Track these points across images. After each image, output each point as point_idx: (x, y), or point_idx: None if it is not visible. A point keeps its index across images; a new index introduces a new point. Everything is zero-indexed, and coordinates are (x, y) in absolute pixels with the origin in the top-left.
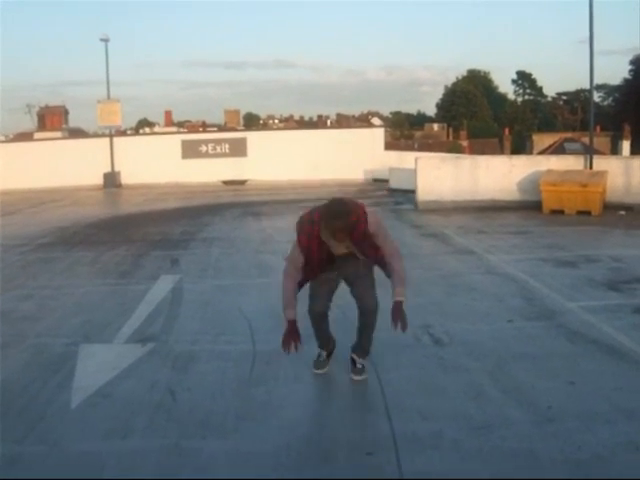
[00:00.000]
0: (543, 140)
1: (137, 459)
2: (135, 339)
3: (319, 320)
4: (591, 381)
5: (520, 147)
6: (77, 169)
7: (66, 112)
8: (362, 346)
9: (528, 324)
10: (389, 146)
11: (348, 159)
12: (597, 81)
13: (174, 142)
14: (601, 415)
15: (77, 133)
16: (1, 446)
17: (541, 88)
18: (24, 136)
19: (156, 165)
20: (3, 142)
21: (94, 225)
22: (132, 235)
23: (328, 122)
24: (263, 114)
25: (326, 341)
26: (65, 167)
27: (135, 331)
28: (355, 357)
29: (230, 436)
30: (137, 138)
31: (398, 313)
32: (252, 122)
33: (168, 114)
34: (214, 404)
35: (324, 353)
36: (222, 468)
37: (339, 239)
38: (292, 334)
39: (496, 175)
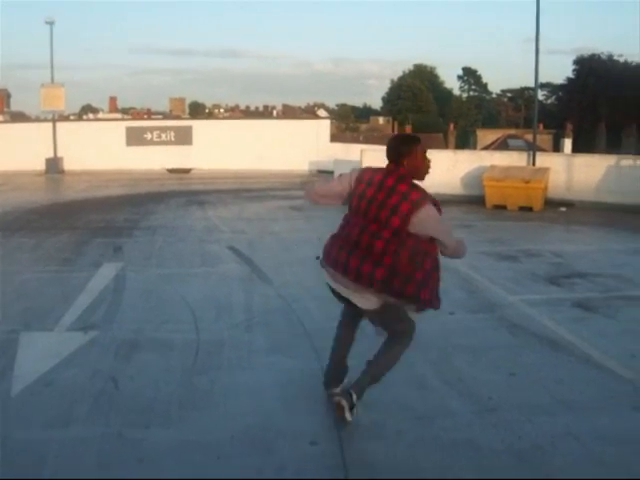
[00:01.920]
0: (487, 136)
1: (79, 448)
2: (77, 327)
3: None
4: (531, 373)
5: (464, 142)
6: (18, 154)
7: (8, 95)
8: (363, 380)
9: (470, 316)
10: (335, 138)
11: (293, 150)
12: (541, 79)
13: (119, 129)
14: (541, 406)
15: (19, 117)
16: None
17: (486, 85)
18: None
19: (100, 151)
20: None
21: (36, 211)
22: (75, 222)
23: (274, 113)
24: (209, 103)
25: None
26: (6, 152)
27: (77, 319)
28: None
29: (173, 425)
30: (81, 124)
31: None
32: (198, 111)
33: (113, 100)
34: (157, 393)
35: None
36: (165, 457)
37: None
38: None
39: (440, 169)
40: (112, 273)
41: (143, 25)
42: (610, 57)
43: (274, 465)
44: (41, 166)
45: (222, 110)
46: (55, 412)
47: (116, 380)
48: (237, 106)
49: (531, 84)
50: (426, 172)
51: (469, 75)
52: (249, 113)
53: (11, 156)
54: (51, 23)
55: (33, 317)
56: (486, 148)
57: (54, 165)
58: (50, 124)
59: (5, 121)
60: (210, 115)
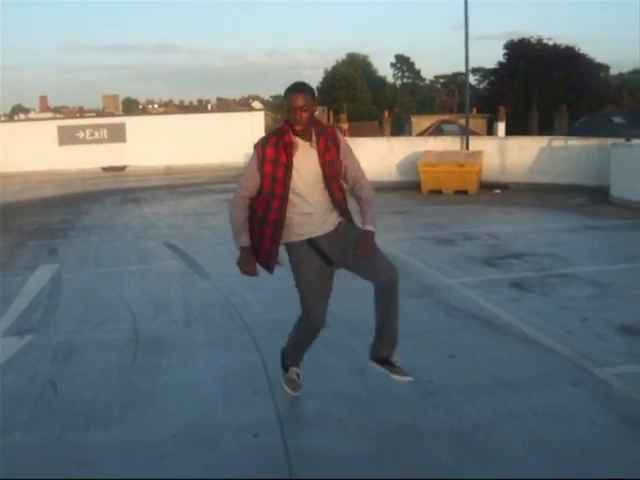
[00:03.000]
0: (422, 122)
1: (20, 455)
2: (13, 332)
3: (315, 334)
4: (471, 354)
5: (399, 129)
6: None
7: None
8: (392, 339)
9: (408, 301)
10: (270, 129)
11: (228, 143)
12: (473, 64)
13: (50, 128)
14: (481, 386)
15: None
16: None
17: (419, 71)
18: None
19: (32, 152)
20: None
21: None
22: (8, 225)
23: (209, 106)
24: (143, 99)
25: (301, 354)
26: None
27: (13, 324)
28: (390, 360)
29: (115, 426)
30: (11, 125)
31: (367, 243)
32: (131, 107)
33: (43, 99)
34: (97, 394)
35: (296, 369)
36: (106, 459)
37: (298, 121)
38: (249, 261)
39: (376, 157)
40: (48, 275)
41: (73, 22)
42: (539, 40)
43: (218, 460)
44: None
45: (156, 106)
46: None
47: (55, 384)
48: (171, 101)
49: (463, 69)
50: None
51: (402, 62)
52: (183, 108)
53: None
54: None
55: None
56: (421, 134)
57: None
58: None
59: None
60: (144, 111)
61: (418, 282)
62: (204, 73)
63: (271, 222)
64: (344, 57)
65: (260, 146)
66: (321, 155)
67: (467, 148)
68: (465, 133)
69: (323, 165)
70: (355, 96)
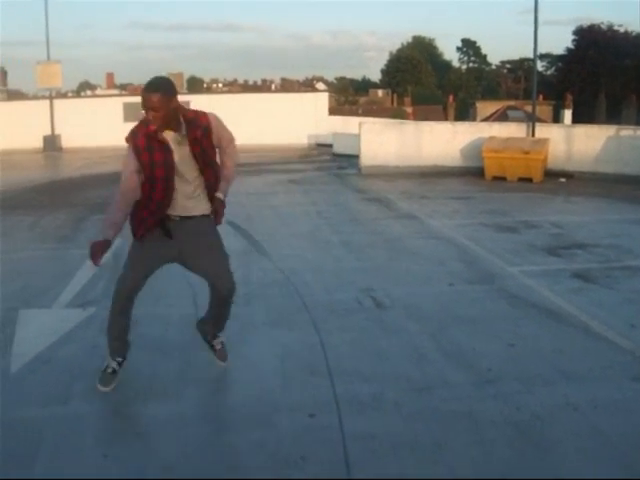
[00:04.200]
0: (486, 108)
1: (77, 425)
2: (75, 304)
3: (125, 306)
4: (531, 344)
5: (464, 114)
6: (16, 132)
7: (4, 73)
8: (222, 321)
9: (469, 287)
10: (333, 111)
11: (292, 124)
12: (541, 50)
13: (116, 105)
14: (540, 377)
15: (16, 95)
16: None
17: (485, 56)
18: None
19: (97, 128)
20: None
21: (33, 189)
22: (72, 199)
23: (272, 86)
24: (207, 78)
25: (122, 343)
26: (4, 130)
27: (75, 296)
28: (216, 336)
29: (172, 400)
30: (78, 101)
31: (217, 209)
32: (195, 86)
33: (110, 76)
34: (155, 368)
35: (115, 363)
36: (163, 432)
37: (151, 122)
38: (100, 253)
39: (440, 141)
40: (110, 249)
41: (139, 0)
42: (610, 27)
43: (273, 438)
44: (39, 144)
45: (220, 85)
46: (54, 389)
47: None
48: (235, 80)
49: (530, 55)
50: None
51: (468, 46)
52: (247, 87)
53: (8, 134)
54: None
55: (31, 295)
56: (486, 120)
57: (52, 143)
58: (47, 102)
59: (2, 99)
60: (208, 90)
61: (479, 269)
62: (268, 53)
63: (155, 201)
64: (409, 40)
65: (130, 139)
66: (191, 146)
67: (533, 135)
68: (531, 120)
69: (195, 156)
70: (420, 79)
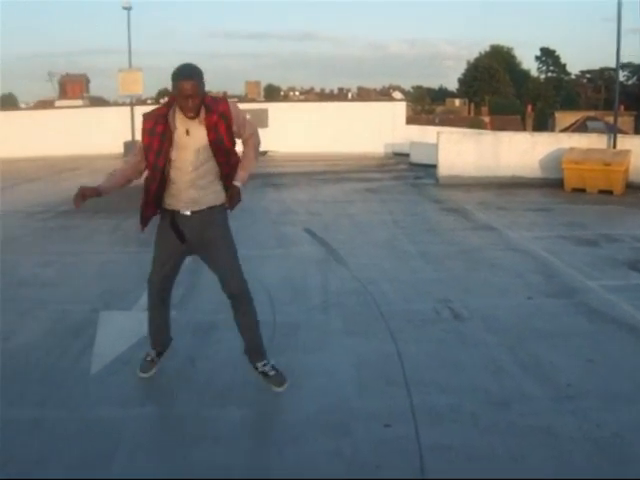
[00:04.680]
0: (565, 118)
1: (155, 427)
2: None
3: (157, 300)
4: (611, 360)
5: (542, 125)
6: (98, 137)
7: (87, 80)
8: (254, 347)
9: (548, 301)
10: (410, 120)
11: (369, 132)
12: (622, 59)
13: None
14: (621, 394)
15: (98, 102)
16: (24, 409)
17: (564, 65)
18: (45, 104)
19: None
20: (24, 109)
21: (115, 193)
22: None
23: (349, 95)
24: (284, 86)
25: (160, 336)
26: (86, 135)
27: None
28: (259, 365)
29: (250, 406)
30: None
31: (232, 196)
32: (273, 94)
33: None
34: (233, 373)
35: (154, 352)
36: (241, 438)
37: (187, 108)
38: (82, 197)
39: (518, 152)
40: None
41: (218, 10)
42: None
43: (349, 447)
44: (119, 149)
45: (297, 93)
46: (132, 391)
47: (193, 360)
48: (312, 89)
49: (611, 64)
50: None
51: (547, 55)
52: (324, 96)
53: (91, 140)
54: (128, 8)
55: (112, 297)
56: (565, 130)
57: (132, 148)
58: (128, 108)
59: (84, 105)
60: (285, 98)
61: (558, 282)
62: (345, 62)
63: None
64: (487, 49)
65: (143, 120)
66: (209, 132)
67: (614, 146)
68: (611, 131)
69: (210, 140)
70: (497, 89)
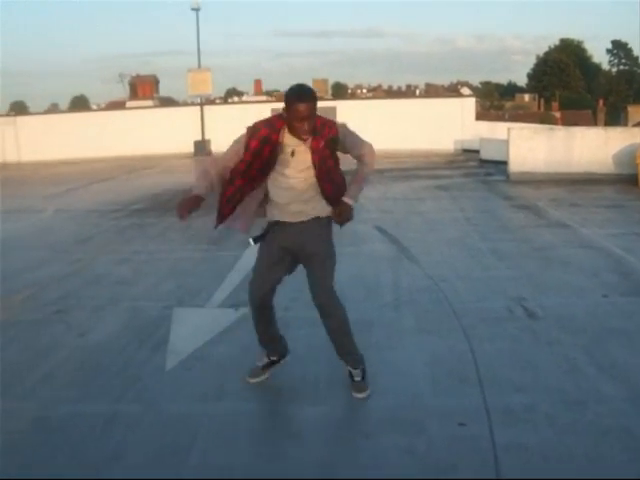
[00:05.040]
0: (638, 112)
1: (230, 422)
2: (228, 304)
3: (259, 313)
4: None
5: (614, 119)
6: (168, 137)
7: (157, 81)
8: (345, 352)
9: (624, 300)
10: (479, 116)
11: (438, 129)
12: None
13: (264, 111)
14: None
15: (168, 102)
16: (101, 404)
17: (637, 58)
18: (116, 104)
19: None
20: (97, 110)
21: (186, 192)
22: None
23: (417, 92)
24: (351, 83)
25: (274, 345)
26: (156, 135)
27: (228, 296)
28: (350, 369)
29: (323, 403)
30: (227, 107)
31: (340, 213)
32: (340, 91)
33: (258, 83)
34: (306, 371)
35: (266, 359)
36: (315, 435)
37: (302, 131)
38: (186, 206)
39: (591, 147)
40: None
41: (285, 8)
42: None
43: (423, 445)
44: (190, 149)
45: (364, 90)
46: (208, 386)
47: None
48: (379, 86)
49: None
50: (295, 129)
51: (619, 48)
52: (391, 93)
53: (161, 139)
54: (197, 9)
55: (185, 294)
56: (638, 125)
57: (202, 147)
58: (197, 108)
59: (155, 106)
60: (353, 95)
61: (634, 280)
62: (412, 58)
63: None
64: (557, 42)
65: (247, 136)
66: (314, 154)
67: None
68: None
69: (314, 163)
70: (568, 83)
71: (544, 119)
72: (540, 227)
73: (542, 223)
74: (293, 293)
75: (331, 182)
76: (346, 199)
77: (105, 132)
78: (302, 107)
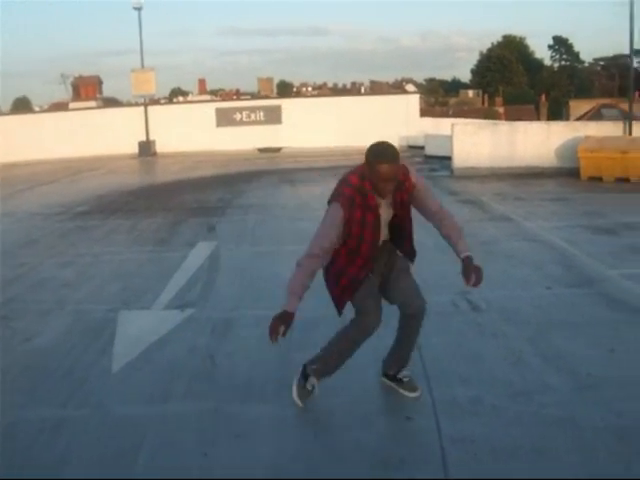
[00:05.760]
0: (580, 106)
1: (178, 423)
2: (174, 305)
3: (366, 336)
4: (632, 349)
5: (556, 114)
6: (112, 138)
7: (100, 82)
8: (404, 358)
9: (567, 291)
10: (424, 113)
11: (383, 126)
12: (636, 45)
13: (208, 110)
14: None
15: (111, 102)
16: (48, 408)
17: (578, 54)
18: (59, 106)
19: (191, 133)
20: (39, 112)
21: (130, 193)
22: (168, 203)
23: (362, 89)
24: (296, 82)
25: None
26: (100, 136)
27: (173, 297)
28: (398, 376)
29: (270, 401)
30: (171, 107)
31: (472, 267)
32: (285, 90)
33: (202, 82)
34: (254, 369)
35: (317, 382)
36: (263, 433)
37: (387, 192)
38: (284, 322)
39: (534, 142)
40: (206, 252)
41: (229, 7)
42: None
43: (371, 440)
44: (134, 149)
45: (310, 88)
46: (154, 388)
47: (213, 357)
48: (325, 84)
49: (625, 51)
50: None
51: (560, 44)
52: (337, 90)
53: (105, 140)
54: (139, 8)
55: (131, 296)
56: (579, 119)
57: (146, 148)
58: (142, 108)
59: (98, 107)
60: (298, 94)
61: (578, 272)
62: (357, 56)
63: (364, 257)
64: (500, 39)
65: (346, 206)
66: (396, 208)
67: (630, 134)
68: (627, 118)
69: (395, 217)
70: (511, 79)
71: (488, 114)
72: (484, 221)
73: (486, 217)
74: (240, 292)
75: (409, 219)
76: (467, 253)
77: (49, 134)
78: (386, 168)
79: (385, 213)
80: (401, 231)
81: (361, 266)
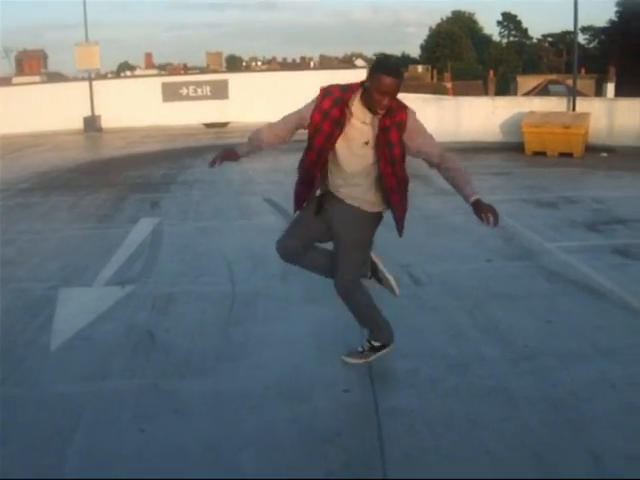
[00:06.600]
0: (528, 82)
1: (116, 400)
2: (114, 282)
3: (289, 259)
4: (569, 320)
5: (504, 89)
6: (57, 113)
7: (45, 56)
8: (366, 327)
9: (507, 264)
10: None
11: None
12: (583, 23)
13: (155, 85)
14: (578, 353)
15: (56, 77)
16: None
17: (526, 30)
18: (2, 81)
19: (137, 108)
20: None
21: (74, 169)
22: (112, 179)
23: (311, 64)
24: (246, 56)
25: (324, 270)
26: (45, 112)
27: (114, 274)
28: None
29: (208, 376)
30: (117, 81)
31: (484, 207)
32: (234, 64)
33: (148, 56)
34: (193, 345)
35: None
36: (199, 408)
37: (380, 105)
38: (228, 156)
39: (479, 116)
40: (149, 228)
41: None
42: None
43: (307, 413)
44: (79, 125)
45: (259, 63)
46: (92, 366)
47: (152, 334)
48: (274, 58)
49: (572, 28)
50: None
51: (509, 20)
52: (286, 65)
53: (49, 116)
54: None
55: (71, 273)
56: (527, 94)
57: (92, 123)
58: (87, 83)
59: (42, 82)
60: (247, 68)
61: (518, 245)
62: (307, 30)
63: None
64: (449, 15)
65: (320, 96)
66: (380, 132)
67: (574, 109)
68: (572, 94)
69: (378, 143)
70: (460, 55)
71: (436, 89)
72: (429, 195)
73: (431, 191)
74: (182, 267)
75: (394, 173)
76: (476, 196)
77: None
78: (388, 80)
79: (357, 136)
80: (382, 179)
81: (300, 179)
